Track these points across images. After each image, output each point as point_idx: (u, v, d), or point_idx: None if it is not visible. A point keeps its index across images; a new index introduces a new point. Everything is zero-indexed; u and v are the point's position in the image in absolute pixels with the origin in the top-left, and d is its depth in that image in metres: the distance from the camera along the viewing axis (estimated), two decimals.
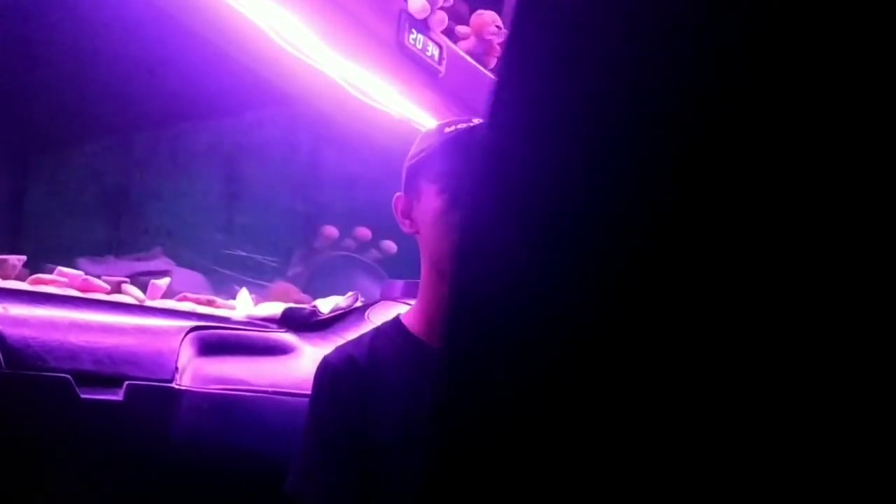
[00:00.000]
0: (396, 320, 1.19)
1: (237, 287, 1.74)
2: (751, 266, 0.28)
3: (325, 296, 1.89)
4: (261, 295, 1.90)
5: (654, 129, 0.30)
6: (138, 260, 1.85)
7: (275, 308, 1.63)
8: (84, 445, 1.09)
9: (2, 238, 2.12)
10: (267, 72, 2.04)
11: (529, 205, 0.31)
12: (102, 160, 2.46)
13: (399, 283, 1.87)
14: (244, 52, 1.92)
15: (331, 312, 1.68)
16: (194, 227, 2.46)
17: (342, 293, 1.84)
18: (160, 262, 1.87)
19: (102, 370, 1.12)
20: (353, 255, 2.46)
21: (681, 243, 0.29)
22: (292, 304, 1.66)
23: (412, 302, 1.78)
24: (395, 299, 1.81)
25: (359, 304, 1.78)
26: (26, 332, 1.05)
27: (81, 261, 1.72)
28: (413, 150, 1.17)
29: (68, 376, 1.07)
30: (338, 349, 1.16)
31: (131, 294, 1.46)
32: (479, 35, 2.11)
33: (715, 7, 0.29)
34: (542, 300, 0.30)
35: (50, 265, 1.36)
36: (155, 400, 1.18)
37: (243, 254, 2.28)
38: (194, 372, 1.26)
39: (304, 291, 2.16)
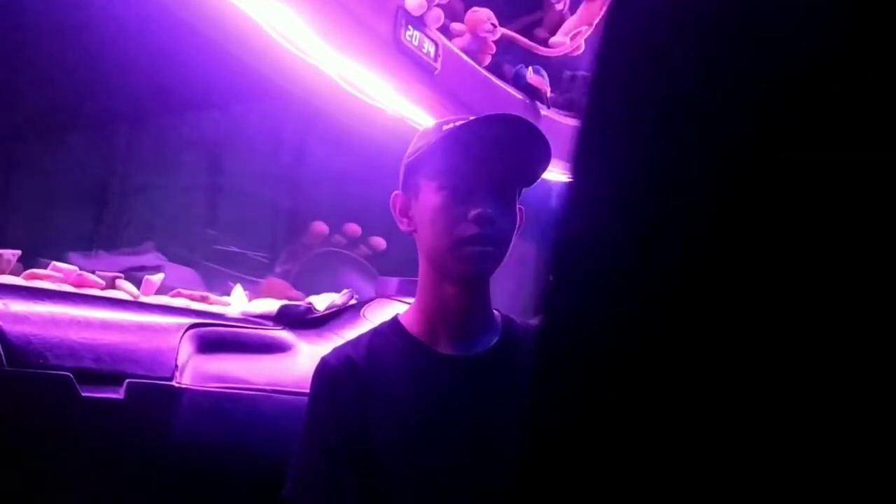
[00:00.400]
0: (395, 321, 1.17)
1: (231, 283, 1.72)
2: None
3: (314, 292, 1.88)
4: (251, 291, 1.88)
5: (744, 119, 0.30)
6: (129, 255, 1.82)
7: (270, 305, 1.62)
8: (85, 443, 1.08)
9: None
10: (259, 65, 2.02)
11: (632, 197, 0.31)
12: (87, 152, 2.43)
13: (394, 281, 1.87)
14: (238, 44, 1.90)
15: (326, 310, 1.67)
16: (180, 222, 2.43)
17: (331, 289, 1.83)
18: (151, 258, 1.84)
19: (103, 368, 1.10)
20: (343, 251, 2.45)
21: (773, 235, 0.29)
22: (288, 302, 1.65)
23: (407, 299, 1.78)
24: (389, 297, 1.80)
25: (353, 301, 1.77)
26: (27, 329, 1.03)
27: (72, 255, 1.69)
28: (410, 148, 1.16)
29: (70, 374, 1.05)
30: (336, 350, 1.14)
31: (126, 290, 1.44)
32: (474, 32, 2.11)
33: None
34: (641, 289, 0.30)
35: (44, 260, 1.33)
36: (155, 398, 1.16)
37: (234, 249, 2.26)
38: (194, 370, 1.25)
39: (294, 287, 2.14)
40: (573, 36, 2.39)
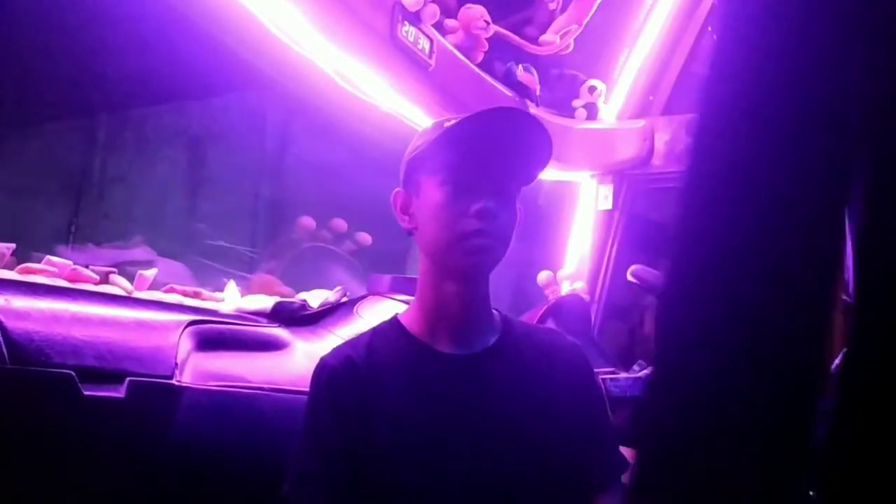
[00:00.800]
0: (394, 320, 1.16)
1: (226, 280, 1.69)
2: None
3: (301, 287, 1.87)
4: (239, 285, 1.86)
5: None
6: (119, 248, 1.79)
7: (263, 301, 1.60)
8: (86, 442, 1.06)
9: None
10: (248, 55, 1.99)
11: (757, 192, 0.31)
12: (66, 143, 2.37)
13: (386, 278, 1.86)
14: (230, 34, 1.87)
15: (320, 307, 1.66)
16: (160, 214, 2.40)
17: (318, 285, 1.82)
18: (141, 252, 1.81)
19: (104, 366, 1.08)
20: (329, 246, 2.43)
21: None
22: (282, 298, 1.63)
23: (399, 297, 1.78)
24: (381, 294, 1.79)
25: (345, 299, 1.76)
26: (29, 326, 1.01)
27: (61, 248, 1.65)
28: (411, 146, 1.16)
29: (72, 372, 1.03)
30: (335, 350, 1.13)
31: (119, 284, 1.42)
32: (467, 29, 2.10)
33: None
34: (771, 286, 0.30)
35: (37, 254, 1.30)
36: (156, 397, 1.14)
37: (222, 244, 2.23)
38: (193, 368, 1.23)
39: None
40: (563, 34, 2.40)
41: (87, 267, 1.37)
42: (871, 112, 0.31)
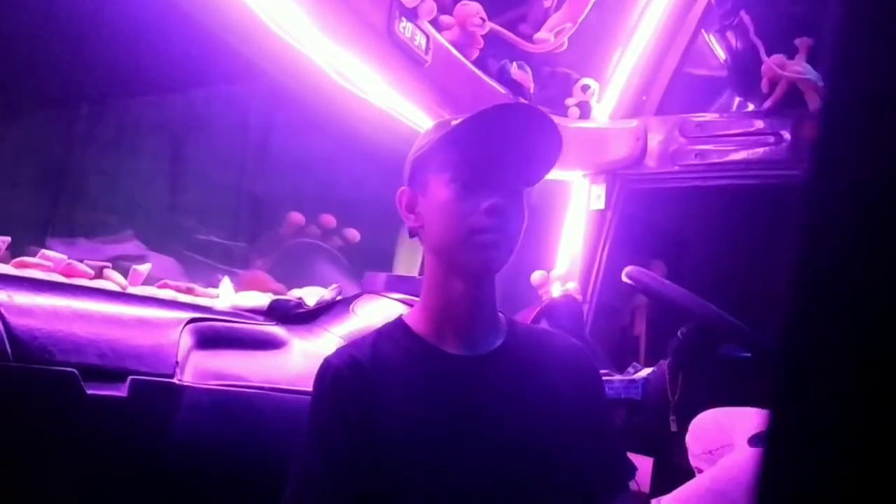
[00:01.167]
0: (400, 321, 1.15)
1: (216, 275, 1.67)
2: None
3: (290, 283, 1.85)
4: (232, 281, 1.83)
5: None
6: (110, 243, 1.75)
7: (258, 298, 1.58)
8: (88, 440, 1.03)
9: None
10: (237, 45, 1.96)
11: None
12: (44, 134, 2.32)
13: (382, 276, 1.84)
14: (224, 27, 1.84)
15: (316, 305, 1.64)
16: (143, 207, 2.35)
17: (307, 281, 1.80)
18: (132, 246, 1.78)
19: (106, 364, 1.06)
20: (318, 242, 2.41)
21: None
22: (277, 296, 1.61)
23: (394, 295, 1.76)
24: (377, 292, 1.78)
25: (339, 297, 1.74)
26: (32, 323, 0.98)
27: (52, 241, 1.62)
28: (417, 145, 1.14)
29: (75, 370, 1.00)
30: (339, 351, 1.11)
31: (114, 280, 1.39)
32: (463, 26, 2.09)
33: None
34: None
35: (32, 248, 1.27)
36: (157, 396, 1.12)
37: (214, 239, 2.20)
38: (194, 367, 1.21)
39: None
40: (557, 32, 2.39)
41: (82, 262, 1.34)
42: None
